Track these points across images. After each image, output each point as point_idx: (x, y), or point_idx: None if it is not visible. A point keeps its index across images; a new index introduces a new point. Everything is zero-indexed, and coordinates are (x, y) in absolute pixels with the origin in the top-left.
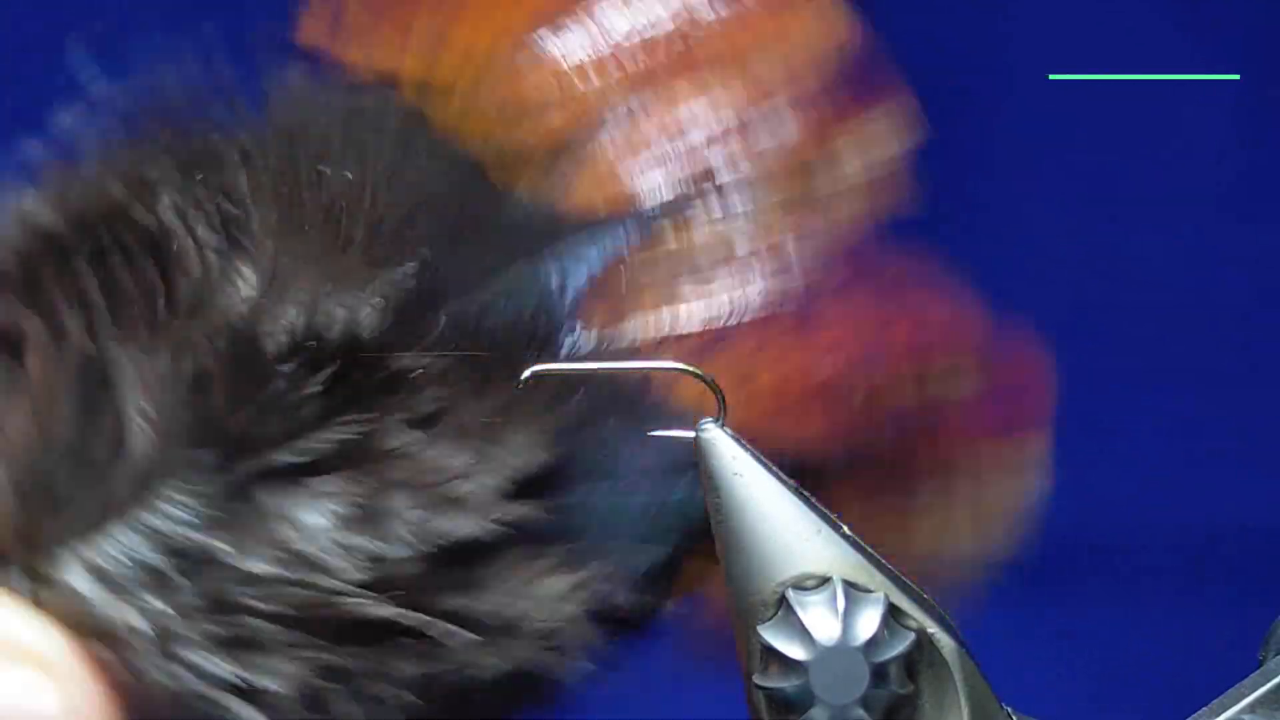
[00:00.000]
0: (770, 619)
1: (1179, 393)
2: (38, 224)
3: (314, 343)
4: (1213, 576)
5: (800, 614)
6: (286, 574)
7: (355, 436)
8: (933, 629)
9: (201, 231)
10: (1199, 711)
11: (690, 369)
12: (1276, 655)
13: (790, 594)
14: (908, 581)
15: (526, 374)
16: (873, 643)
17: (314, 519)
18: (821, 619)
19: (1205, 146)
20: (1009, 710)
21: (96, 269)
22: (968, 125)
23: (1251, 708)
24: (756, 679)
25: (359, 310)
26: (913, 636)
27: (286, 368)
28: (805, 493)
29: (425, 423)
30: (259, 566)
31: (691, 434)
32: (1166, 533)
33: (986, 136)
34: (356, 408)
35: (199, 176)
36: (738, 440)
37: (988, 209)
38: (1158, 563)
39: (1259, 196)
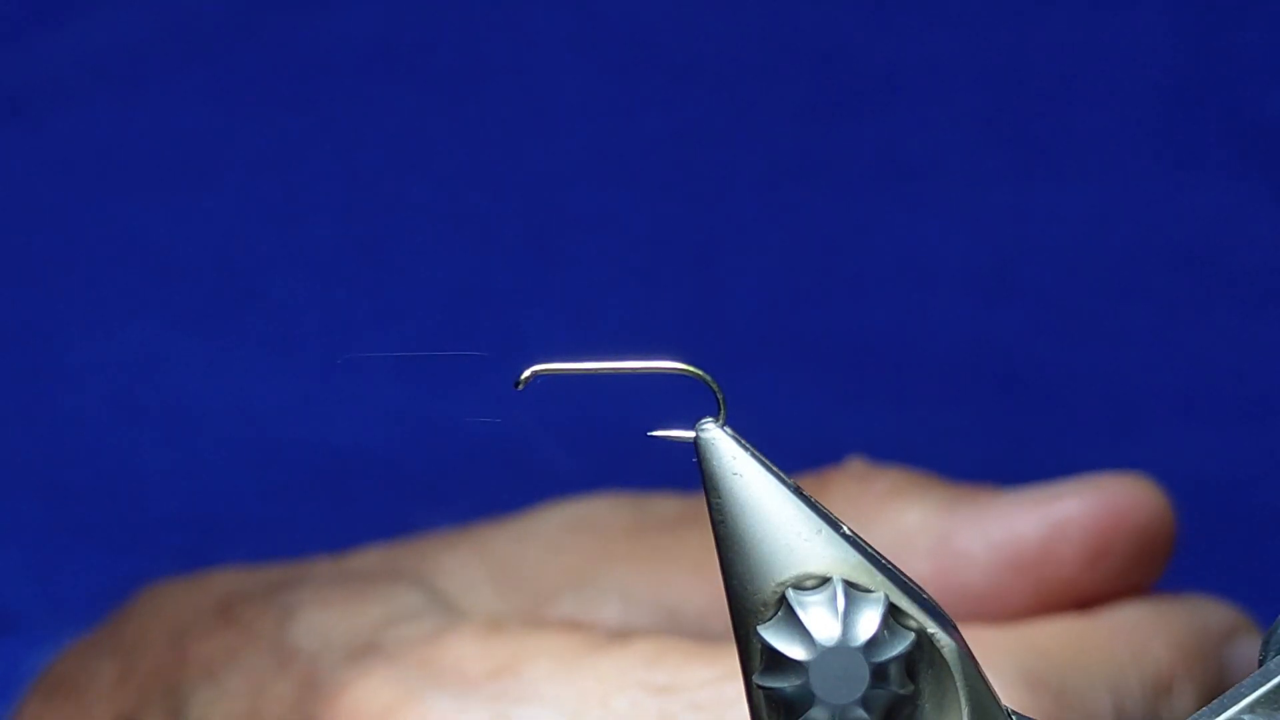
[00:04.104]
0: (770, 619)
1: None
2: None
3: None
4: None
5: (800, 614)
6: None
7: None
8: (933, 629)
9: None
10: (1199, 711)
11: (690, 369)
12: (1276, 655)
13: (790, 594)
14: (908, 581)
15: (526, 373)
16: (873, 643)
17: None
18: (821, 619)
19: None
20: (1009, 710)
21: None
22: None
23: (1251, 708)
24: (756, 679)
25: None
26: (913, 636)
27: None
28: (805, 493)
29: None
30: None
31: (691, 434)
32: None
33: None
34: None
35: None
36: (738, 440)
37: None
38: None
39: None
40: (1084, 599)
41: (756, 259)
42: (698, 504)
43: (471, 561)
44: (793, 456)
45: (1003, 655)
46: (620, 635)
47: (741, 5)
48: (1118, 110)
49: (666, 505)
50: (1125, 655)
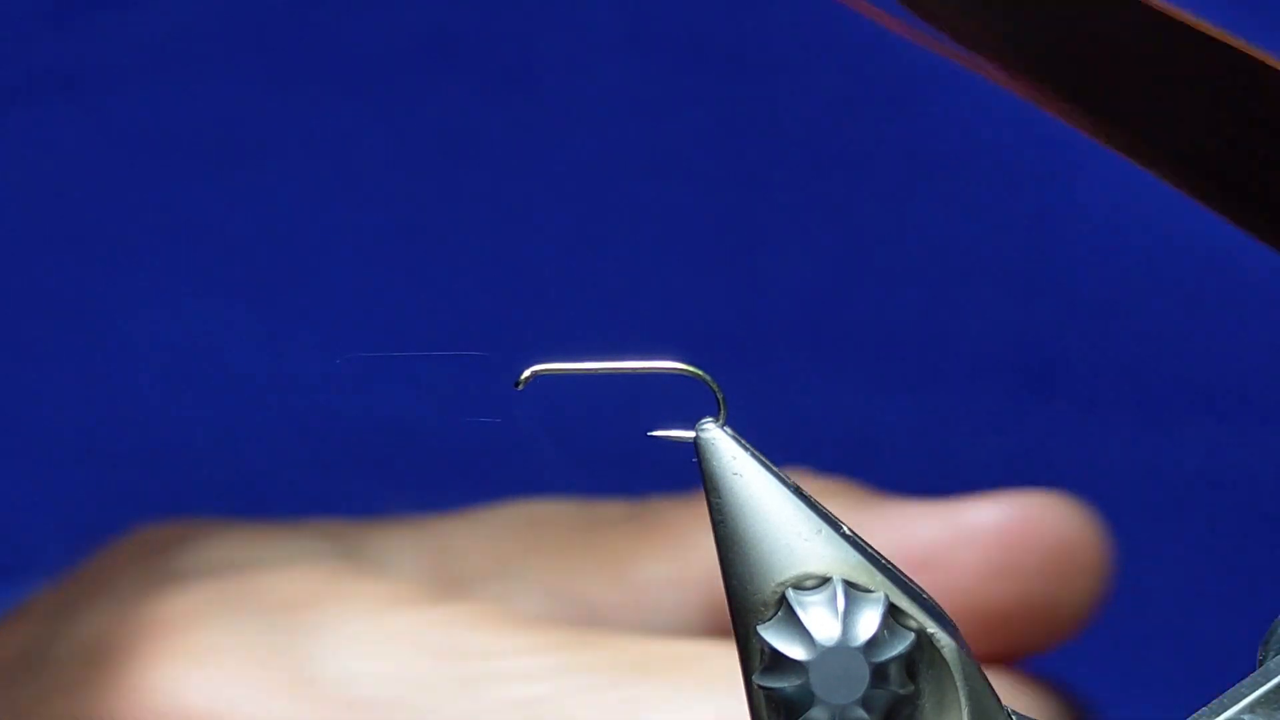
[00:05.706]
0: (770, 619)
1: None
2: None
3: None
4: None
5: (800, 614)
6: None
7: None
8: (933, 629)
9: None
10: (1198, 711)
11: (690, 369)
12: (1276, 655)
13: (790, 594)
14: (908, 581)
15: (526, 373)
16: (873, 643)
17: None
18: (821, 619)
19: None
20: (1009, 710)
21: None
22: None
23: (1251, 708)
24: (756, 679)
25: None
26: (913, 636)
27: None
28: (805, 493)
29: None
30: None
31: (691, 434)
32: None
33: None
34: None
35: None
36: (738, 440)
37: None
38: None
39: None
40: (1004, 619)
41: (789, 253)
42: (644, 508)
43: (407, 539)
44: (825, 448)
45: None
46: (453, 598)
47: (781, 1)
48: None
49: (614, 509)
50: None
